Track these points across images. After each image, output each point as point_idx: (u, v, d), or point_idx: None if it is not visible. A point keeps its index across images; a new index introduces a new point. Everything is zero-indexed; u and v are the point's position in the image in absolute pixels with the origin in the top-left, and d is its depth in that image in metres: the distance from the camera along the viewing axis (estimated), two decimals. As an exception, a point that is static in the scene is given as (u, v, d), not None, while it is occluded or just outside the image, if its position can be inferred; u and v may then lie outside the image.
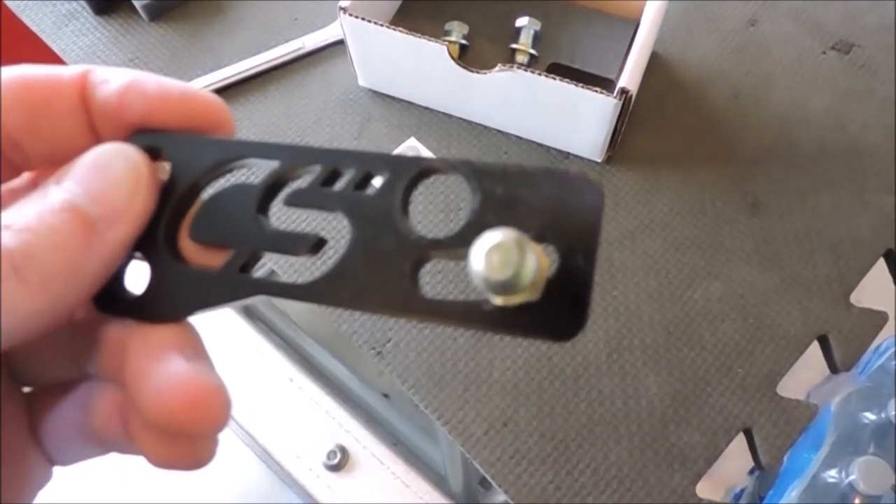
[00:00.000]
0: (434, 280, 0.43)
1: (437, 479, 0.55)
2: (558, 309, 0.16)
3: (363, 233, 0.17)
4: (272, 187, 0.19)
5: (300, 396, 0.51)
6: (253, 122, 0.49)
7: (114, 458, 0.20)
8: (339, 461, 0.47)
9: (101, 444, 0.19)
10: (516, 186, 0.16)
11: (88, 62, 0.51)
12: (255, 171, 0.19)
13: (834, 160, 0.48)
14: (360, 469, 0.48)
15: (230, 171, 0.19)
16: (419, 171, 0.18)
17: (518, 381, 0.41)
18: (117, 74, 0.19)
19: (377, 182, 0.18)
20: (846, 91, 0.50)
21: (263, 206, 0.19)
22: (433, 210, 0.46)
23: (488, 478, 0.39)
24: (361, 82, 0.50)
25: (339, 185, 0.18)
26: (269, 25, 0.53)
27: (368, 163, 0.18)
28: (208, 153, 0.19)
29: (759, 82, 0.51)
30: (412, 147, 0.48)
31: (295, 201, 0.18)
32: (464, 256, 0.16)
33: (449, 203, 0.46)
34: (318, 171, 0.18)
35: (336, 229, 0.44)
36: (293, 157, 0.19)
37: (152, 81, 0.19)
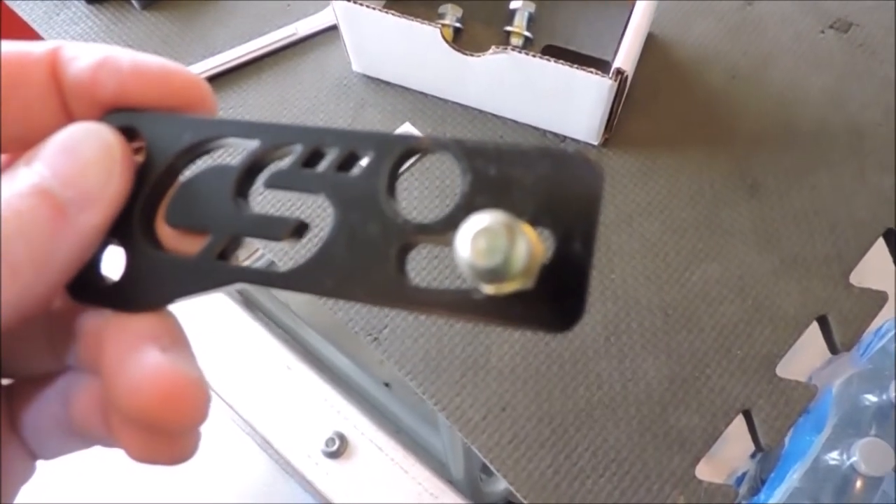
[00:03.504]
0: (431, 265, 0.43)
1: (438, 467, 0.55)
2: (554, 298, 0.15)
3: (346, 216, 0.16)
4: (252, 169, 0.18)
5: (298, 384, 0.51)
6: (247, 108, 0.49)
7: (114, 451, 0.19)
8: (338, 448, 0.47)
9: (82, 437, 0.18)
10: (510, 166, 0.15)
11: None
12: (239, 152, 0.18)
13: (833, 140, 0.47)
14: (358, 456, 0.47)
15: (209, 151, 0.18)
16: (405, 149, 0.17)
17: (515, 365, 0.41)
18: (89, 50, 0.18)
19: (363, 162, 0.17)
20: (845, 70, 0.50)
21: (243, 188, 0.18)
22: (429, 196, 0.45)
23: (487, 462, 0.39)
24: (355, 67, 0.50)
25: (322, 165, 0.17)
26: (262, 12, 0.53)
27: (352, 141, 0.17)
28: (186, 133, 0.18)
29: (756, 62, 0.50)
30: (407, 132, 0.48)
31: (275, 183, 0.17)
32: (452, 241, 0.14)
33: (444, 188, 0.46)
34: (300, 151, 0.17)
35: (328, 213, 0.43)
36: (274, 135, 0.18)
37: (126, 57, 0.18)
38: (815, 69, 0.50)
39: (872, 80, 0.49)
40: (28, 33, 0.52)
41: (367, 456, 0.48)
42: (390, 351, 0.41)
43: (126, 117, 0.18)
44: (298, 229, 0.17)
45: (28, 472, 0.19)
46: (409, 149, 0.17)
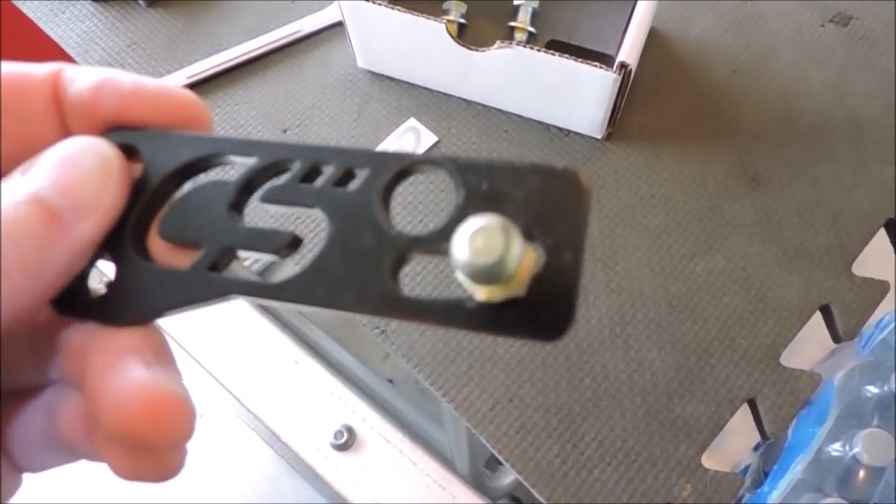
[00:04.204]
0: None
1: (444, 462, 0.56)
2: (544, 307, 0.15)
3: (341, 229, 0.17)
4: (248, 185, 0.18)
5: (306, 378, 0.51)
6: (252, 105, 0.49)
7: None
8: (346, 441, 0.47)
9: (67, 452, 0.18)
10: (501, 182, 0.16)
11: (86, 48, 0.51)
12: (234, 169, 0.18)
13: (834, 132, 0.48)
14: (366, 448, 0.48)
15: (206, 169, 0.19)
16: (401, 167, 0.17)
17: (522, 357, 0.41)
18: (90, 71, 0.18)
19: (358, 179, 0.17)
20: (845, 63, 0.50)
21: (238, 203, 0.18)
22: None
23: (495, 453, 0.39)
24: (360, 63, 0.50)
25: (319, 181, 0.17)
26: (267, 9, 0.53)
27: (349, 159, 0.17)
28: (184, 150, 0.18)
29: (758, 56, 0.51)
30: (412, 128, 0.48)
31: (272, 198, 0.18)
32: (447, 252, 0.15)
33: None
34: (297, 168, 0.18)
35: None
36: (271, 153, 0.18)
37: (127, 78, 0.18)
38: (816, 63, 0.51)
39: (873, 72, 0.50)
40: (34, 32, 0.53)
41: (376, 448, 0.48)
42: (398, 344, 0.41)
43: (125, 135, 0.18)
44: (292, 243, 0.18)
45: (14, 486, 0.19)
46: (405, 167, 0.17)
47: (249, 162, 0.18)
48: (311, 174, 0.18)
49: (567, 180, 0.16)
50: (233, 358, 0.50)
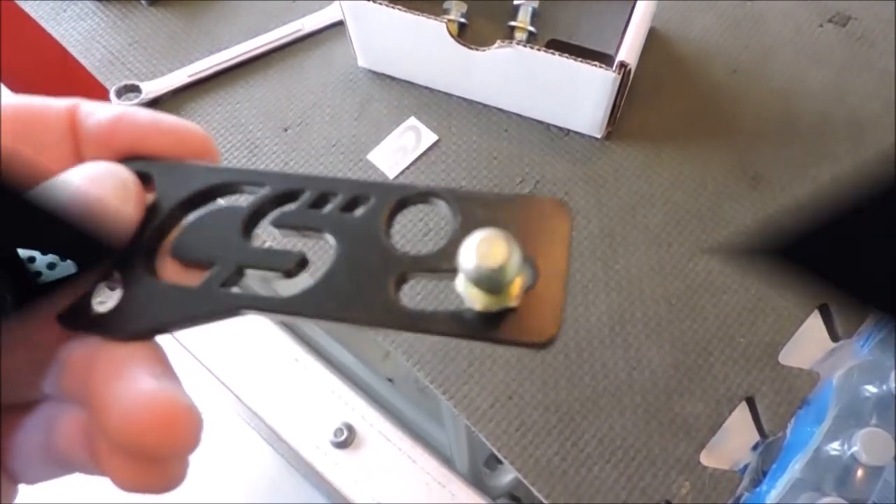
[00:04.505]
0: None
1: (443, 460, 0.56)
2: (534, 318, 0.17)
3: (348, 250, 0.18)
4: (259, 210, 0.19)
5: (306, 376, 0.51)
6: (253, 104, 0.49)
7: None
8: (346, 439, 0.47)
9: (65, 465, 0.18)
10: (495, 210, 0.18)
11: (87, 47, 0.51)
12: (243, 196, 0.20)
13: (834, 132, 0.48)
14: (366, 446, 0.48)
15: (215, 197, 0.20)
16: (403, 196, 0.18)
17: (522, 355, 0.41)
18: (106, 106, 0.19)
19: (364, 206, 0.19)
20: (845, 63, 0.51)
21: (248, 227, 0.19)
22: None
23: (494, 451, 0.39)
24: (361, 63, 0.50)
25: (327, 208, 0.19)
26: (268, 8, 0.53)
27: (356, 188, 0.19)
28: (195, 179, 0.20)
29: (757, 56, 0.51)
30: (412, 127, 0.48)
31: (284, 222, 0.19)
32: (447, 269, 0.17)
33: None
34: (307, 196, 0.19)
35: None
36: (282, 183, 0.19)
37: (144, 111, 0.20)
38: (816, 63, 0.51)
39: (872, 72, 0.50)
40: (34, 30, 0.53)
41: (376, 446, 0.48)
42: (398, 342, 0.42)
43: (140, 164, 0.20)
44: (301, 263, 0.19)
45: (10, 497, 0.19)
46: (408, 196, 0.19)
47: (260, 191, 0.19)
48: (319, 201, 0.19)
49: (552, 209, 0.18)
50: (233, 356, 0.51)
